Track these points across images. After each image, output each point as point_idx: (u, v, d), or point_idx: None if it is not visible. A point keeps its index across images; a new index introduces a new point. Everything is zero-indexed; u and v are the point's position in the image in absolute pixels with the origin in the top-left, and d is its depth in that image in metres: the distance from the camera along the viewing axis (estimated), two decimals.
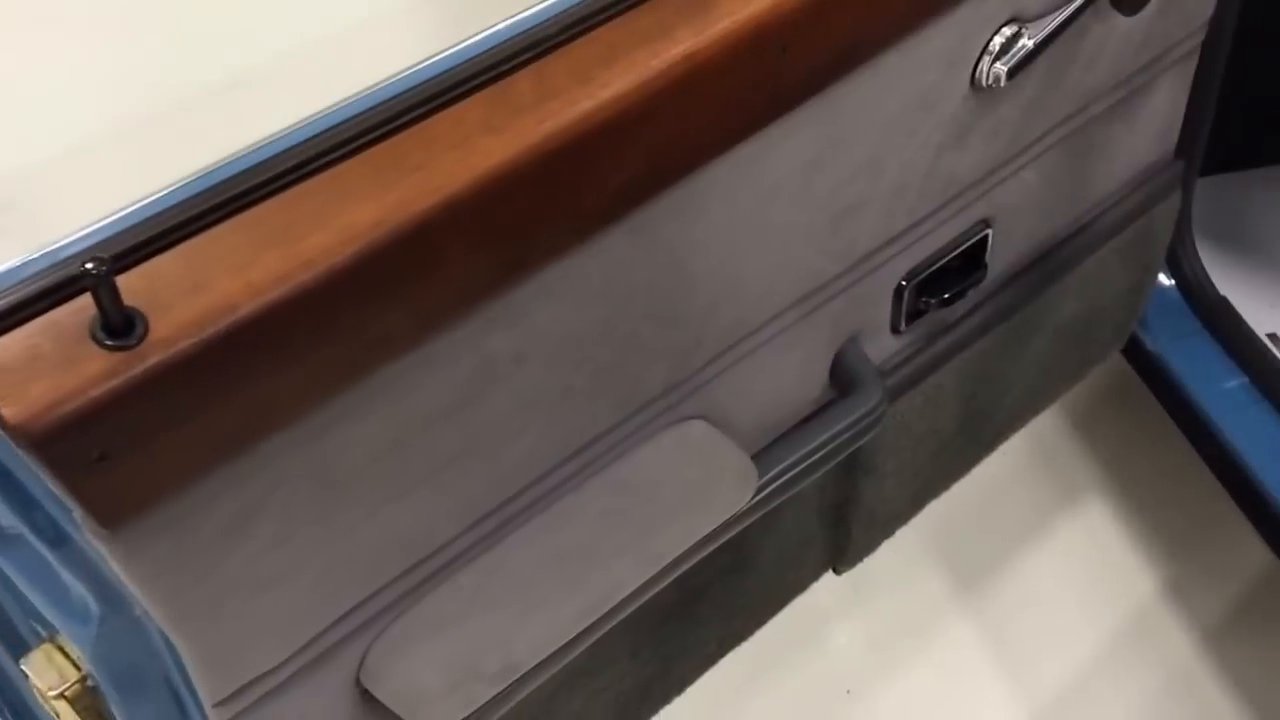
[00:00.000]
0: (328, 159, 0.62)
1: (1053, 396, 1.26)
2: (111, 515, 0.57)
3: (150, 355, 0.55)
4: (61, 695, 0.67)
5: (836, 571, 1.14)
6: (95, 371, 0.54)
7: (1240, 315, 1.29)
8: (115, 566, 0.60)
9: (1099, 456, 1.59)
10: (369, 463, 0.68)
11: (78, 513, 0.57)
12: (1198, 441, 1.30)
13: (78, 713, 0.68)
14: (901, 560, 1.46)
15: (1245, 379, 1.26)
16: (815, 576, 1.12)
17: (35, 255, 0.57)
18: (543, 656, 0.78)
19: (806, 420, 0.94)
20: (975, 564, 1.49)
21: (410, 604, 0.77)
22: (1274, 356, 1.27)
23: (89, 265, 0.53)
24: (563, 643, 0.79)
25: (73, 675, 0.68)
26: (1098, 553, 1.49)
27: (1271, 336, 1.35)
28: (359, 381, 0.64)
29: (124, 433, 0.56)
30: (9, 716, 0.79)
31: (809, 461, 0.91)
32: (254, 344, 0.58)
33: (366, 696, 0.77)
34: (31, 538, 0.61)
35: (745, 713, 1.38)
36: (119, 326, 0.55)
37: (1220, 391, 1.26)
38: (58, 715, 0.70)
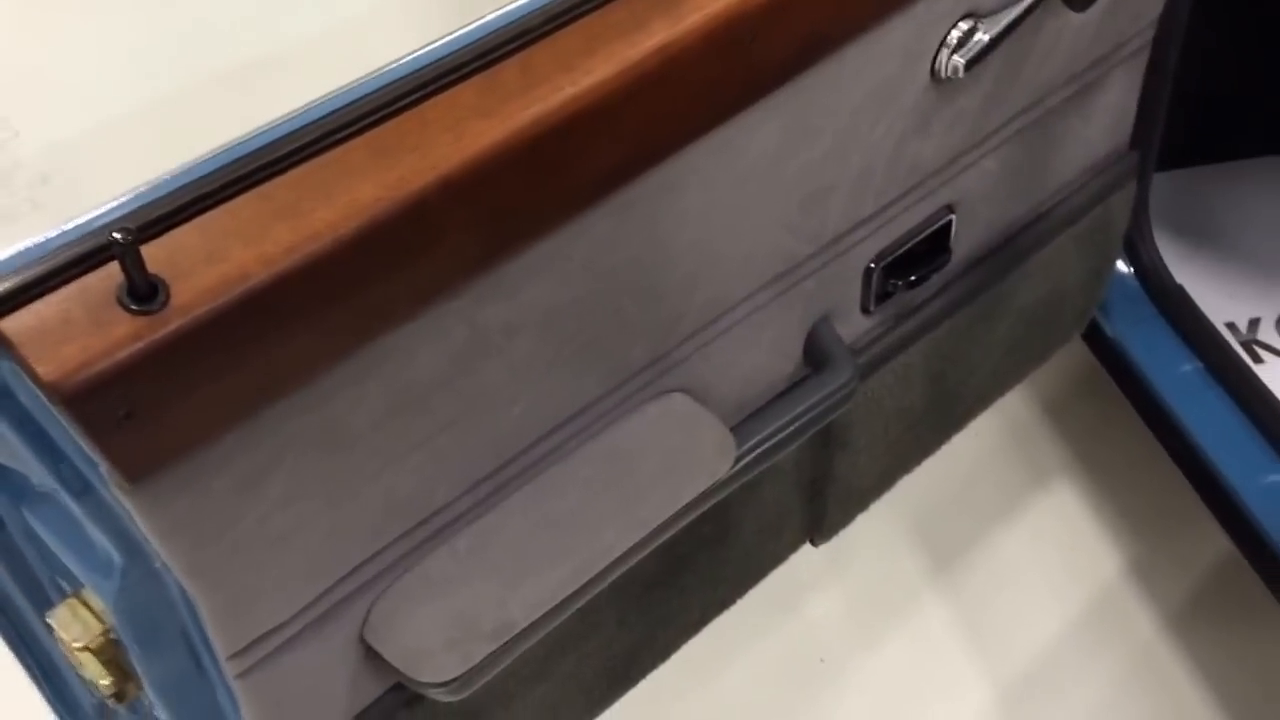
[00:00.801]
0: (333, 139, 0.67)
1: (1018, 377, 1.32)
2: (135, 470, 0.62)
3: (172, 319, 0.60)
4: (86, 647, 0.72)
5: (814, 544, 1.19)
6: (122, 334, 0.59)
7: (1195, 303, 1.34)
8: (137, 520, 0.64)
9: (1070, 441, 1.64)
10: (370, 427, 0.73)
11: (104, 467, 0.62)
12: (1154, 424, 1.35)
13: (101, 664, 0.72)
14: (877, 537, 1.52)
15: (1200, 364, 1.31)
16: (794, 548, 1.17)
17: (67, 227, 0.62)
18: (535, 616, 0.83)
19: (782, 395, 0.99)
20: (949, 542, 1.55)
21: (410, 565, 0.81)
22: (1227, 343, 1.32)
23: (116, 235, 0.58)
24: (554, 604, 0.84)
25: (96, 628, 0.72)
26: (1066, 534, 1.55)
27: (1229, 325, 1.41)
28: (361, 349, 0.69)
29: (148, 392, 0.61)
30: (38, 673, 0.83)
31: (784, 434, 0.96)
32: (266, 310, 0.63)
33: (369, 652, 0.82)
34: (61, 492, 0.66)
35: (723, 676, 1.43)
36: (144, 292, 0.60)
37: (1175, 376, 1.31)
38: (82, 667, 0.74)
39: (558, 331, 0.80)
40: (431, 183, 0.67)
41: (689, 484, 0.90)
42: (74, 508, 0.68)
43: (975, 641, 1.47)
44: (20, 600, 0.78)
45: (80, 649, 0.72)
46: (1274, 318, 1.41)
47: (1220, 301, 1.41)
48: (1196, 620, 1.47)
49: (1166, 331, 1.34)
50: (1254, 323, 1.41)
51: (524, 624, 0.83)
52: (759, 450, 0.95)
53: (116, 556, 0.68)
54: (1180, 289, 1.35)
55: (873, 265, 1.02)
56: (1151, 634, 1.46)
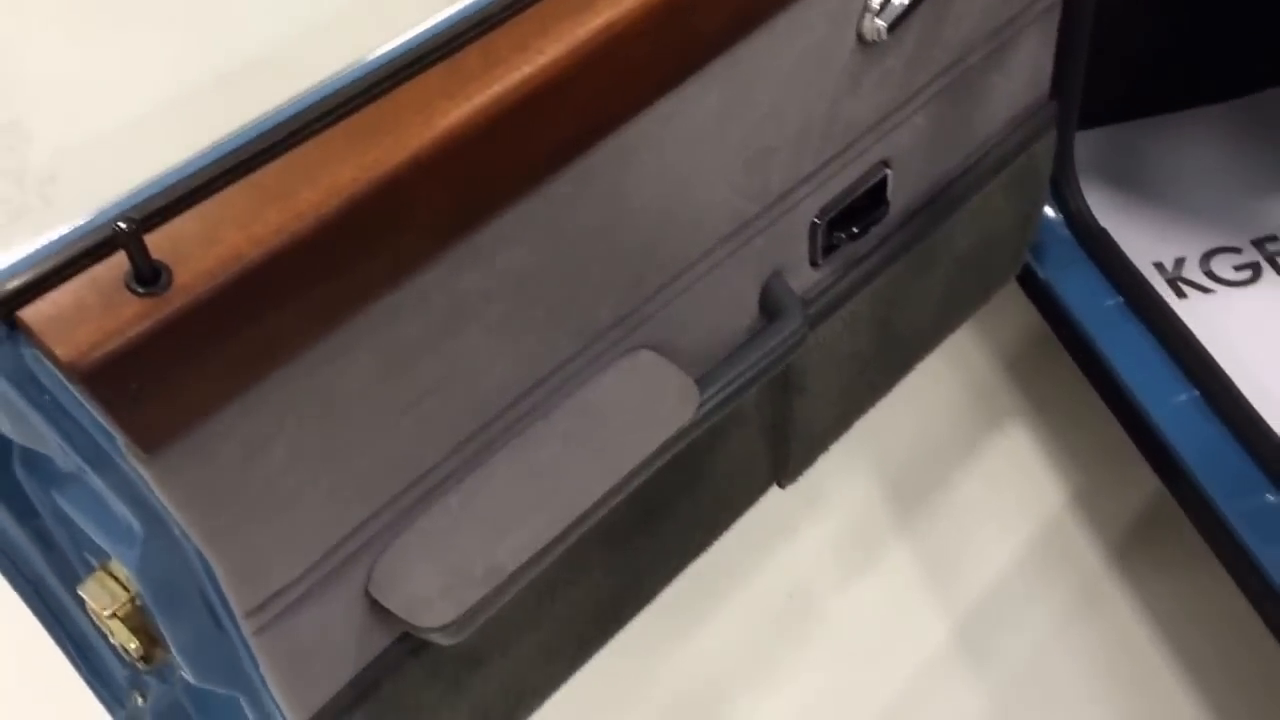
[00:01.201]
0: (315, 128, 0.73)
1: (959, 319, 1.40)
2: (150, 441, 0.68)
3: (175, 300, 0.66)
4: (114, 614, 0.78)
5: (780, 485, 1.26)
6: (130, 315, 0.65)
7: (1117, 243, 1.43)
8: (154, 488, 0.70)
9: (1023, 387, 1.73)
10: (362, 393, 0.79)
11: (121, 440, 0.67)
12: (1079, 358, 1.43)
13: (130, 630, 0.78)
14: (844, 483, 1.61)
15: (1120, 299, 1.39)
16: (762, 491, 1.24)
17: (77, 222, 0.67)
18: (522, 560, 0.89)
19: (739, 346, 1.06)
20: (911, 486, 1.63)
21: (407, 522, 0.88)
22: (1145, 279, 1.40)
23: (121, 225, 0.64)
24: (538, 549, 0.91)
25: (123, 596, 0.78)
26: (1019, 475, 1.63)
27: (1157, 265, 1.50)
28: (349, 319, 0.75)
29: (157, 367, 0.66)
30: (73, 650, 0.88)
31: (742, 380, 1.03)
32: (259, 286, 0.69)
33: (375, 605, 0.88)
34: (84, 469, 0.71)
35: (703, 620, 1.51)
36: (148, 276, 0.65)
37: (1098, 311, 1.39)
38: (112, 634, 0.80)
39: (530, 296, 0.87)
40: (404, 160, 0.73)
41: (657, 431, 0.97)
42: (96, 482, 0.73)
43: (933, 577, 1.55)
44: (53, 581, 0.84)
45: (109, 616, 0.78)
46: (1198, 257, 1.50)
47: (1148, 244, 1.50)
48: (1136, 550, 1.55)
49: (1092, 271, 1.42)
50: (1179, 262, 1.49)
51: (512, 568, 0.89)
52: (720, 397, 1.02)
53: (137, 526, 0.74)
54: (1104, 231, 1.44)
55: (817, 221, 1.09)
56: (1097, 565, 1.54)
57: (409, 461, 0.86)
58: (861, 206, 1.13)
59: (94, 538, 0.77)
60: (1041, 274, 1.44)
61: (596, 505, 0.93)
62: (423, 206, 0.75)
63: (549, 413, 0.94)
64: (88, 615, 0.87)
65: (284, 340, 0.72)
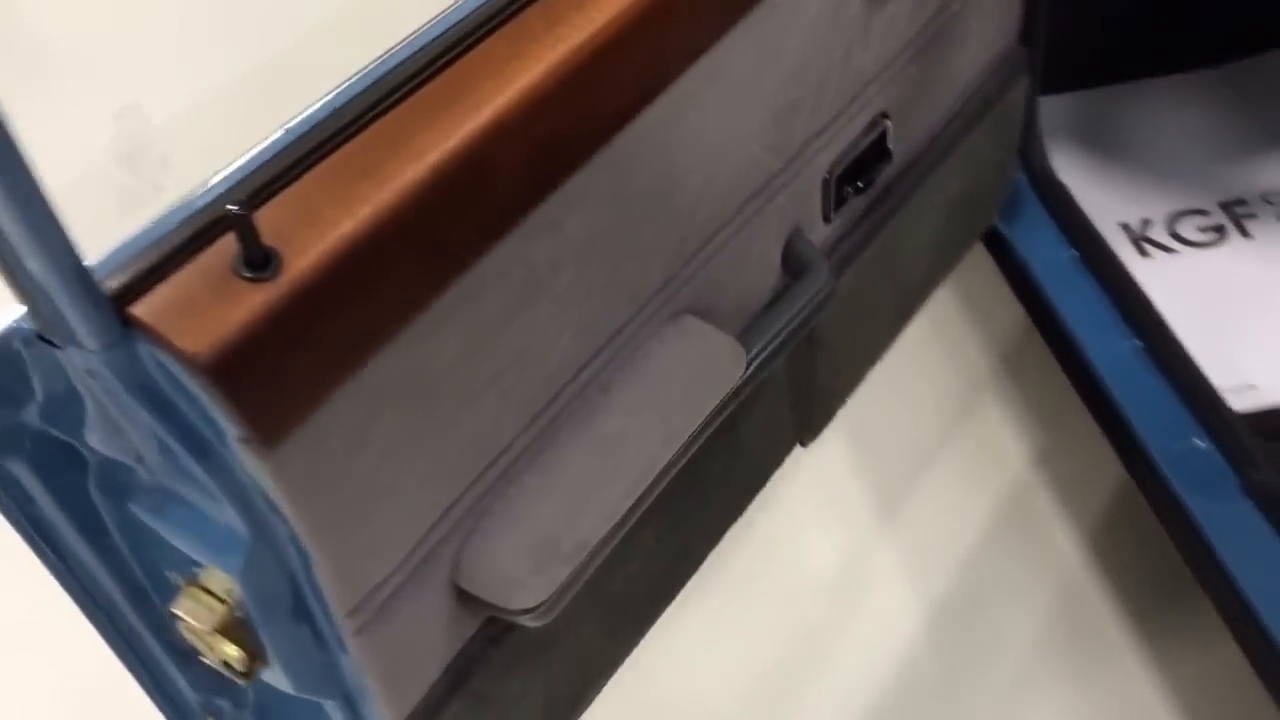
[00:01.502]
0: (389, 102, 0.71)
1: (953, 263, 1.43)
2: (267, 435, 0.65)
3: (288, 284, 0.63)
4: (215, 629, 0.74)
5: (803, 444, 1.27)
6: (249, 303, 0.62)
7: (1074, 197, 1.45)
8: (269, 484, 0.67)
9: (997, 350, 1.76)
10: (449, 371, 0.77)
11: (240, 434, 0.64)
12: (1033, 311, 1.46)
13: (233, 641, 0.75)
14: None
15: (1074, 252, 1.42)
16: (789, 450, 1.25)
17: (177, 210, 0.64)
18: (604, 531, 0.89)
19: (771, 304, 1.07)
20: (879, 440, 1.65)
21: (486, 506, 0.86)
22: (1098, 232, 1.42)
23: (232, 208, 0.61)
24: (617, 519, 0.90)
25: (220, 609, 0.74)
26: (977, 427, 1.67)
27: (1124, 225, 1.52)
28: (440, 295, 0.73)
29: (275, 356, 0.64)
30: (145, 676, 0.83)
31: (784, 336, 1.04)
32: (364, 264, 0.67)
33: (459, 594, 0.86)
34: (191, 469, 0.68)
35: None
36: (260, 261, 0.63)
37: (1053, 265, 1.42)
38: (210, 650, 0.76)
39: (593, 261, 0.85)
40: (483, 125, 0.72)
41: (712, 393, 0.97)
42: (193, 489, 0.70)
43: (896, 525, 1.57)
44: (123, 602, 0.79)
45: (210, 631, 0.74)
46: (1164, 218, 1.53)
47: (1117, 205, 1.53)
48: (1091, 500, 1.58)
49: (1050, 226, 1.45)
50: (1146, 222, 1.52)
51: (595, 540, 0.88)
52: (765, 354, 1.02)
53: (242, 529, 0.70)
54: (1062, 185, 1.46)
55: (828, 175, 1.10)
56: (1048, 511, 1.57)
57: (489, 441, 0.84)
58: (866, 159, 1.14)
59: (186, 550, 0.73)
60: (1004, 230, 1.47)
61: (664, 472, 0.93)
62: (503, 172, 0.74)
63: (609, 383, 0.93)
64: (161, 637, 0.83)
65: (383, 320, 0.70)
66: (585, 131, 0.79)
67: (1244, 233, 1.51)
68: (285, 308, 0.63)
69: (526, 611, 0.85)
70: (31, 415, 0.68)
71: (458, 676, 0.89)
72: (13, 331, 0.63)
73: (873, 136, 1.14)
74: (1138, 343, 1.33)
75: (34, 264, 0.56)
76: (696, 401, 0.96)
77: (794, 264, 1.09)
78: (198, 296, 0.62)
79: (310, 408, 0.67)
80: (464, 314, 0.76)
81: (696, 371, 0.97)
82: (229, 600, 0.75)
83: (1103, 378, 1.33)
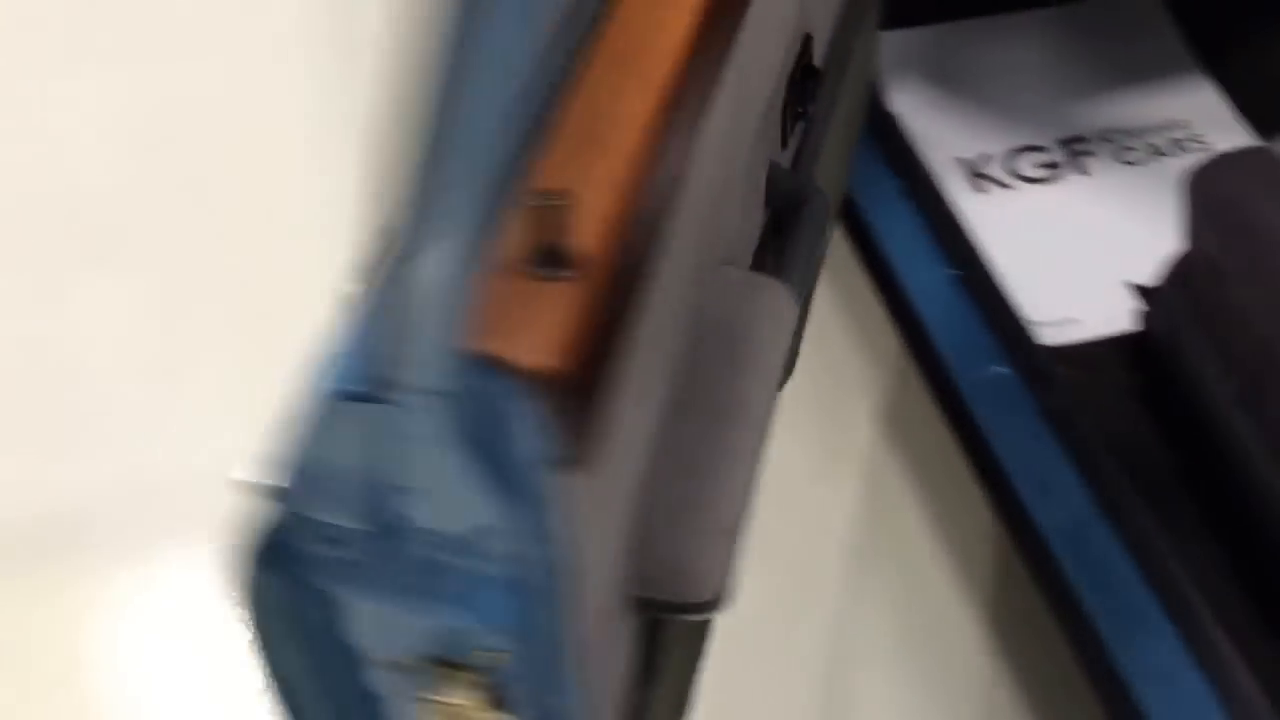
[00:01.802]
0: (570, 70, 0.63)
1: (849, 175, 1.47)
2: (582, 449, 0.57)
3: (591, 278, 0.55)
4: (486, 701, 0.64)
5: (780, 386, 1.26)
6: (566, 305, 0.53)
7: (903, 128, 1.48)
8: (572, 510, 0.58)
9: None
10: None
11: (558, 450, 0.55)
12: (857, 241, 1.50)
13: (503, 712, 0.64)
14: None
15: (901, 182, 1.46)
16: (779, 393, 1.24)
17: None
18: (747, 503, 0.85)
19: (790, 234, 1.05)
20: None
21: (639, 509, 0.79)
22: (921, 162, 1.47)
23: (546, 202, 0.52)
24: (750, 486, 0.86)
25: (484, 681, 0.64)
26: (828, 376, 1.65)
27: (961, 160, 1.54)
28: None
29: (594, 361, 0.55)
30: None
31: (813, 265, 1.03)
32: (633, 247, 0.59)
33: (631, 603, 0.79)
34: (487, 511, 0.57)
35: None
36: (565, 259, 0.54)
37: (877, 193, 1.46)
38: None
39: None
40: (668, 74, 0.65)
41: (781, 336, 0.95)
42: (484, 530, 0.59)
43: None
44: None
45: (481, 707, 0.64)
46: (1002, 154, 1.56)
47: (957, 140, 1.54)
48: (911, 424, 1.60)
49: (878, 156, 1.48)
50: (984, 158, 1.54)
51: (745, 507, 0.84)
52: (804, 288, 1.01)
53: (527, 576, 0.61)
54: (890, 115, 1.50)
55: (786, 99, 1.10)
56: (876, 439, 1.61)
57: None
58: (802, 81, 1.14)
59: (445, 619, 0.62)
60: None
61: (768, 425, 0.90)
62: (688, 124, 0.68)
63: (692, 354, 0.88)
64: None
65: (637, 309, 0.62)
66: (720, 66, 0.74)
67: (1081, 170, 1.54)
68: (599, 306, 0.55)
69: (710, 604, 0.80)
70: None
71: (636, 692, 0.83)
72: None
73: (805, 61, 1.14)
74: (951, 272, 1.37)
75: None
76: (773, 349, 0.93)
77: (781, 194, 1.07)
78: (508, 309, 0.52)
79: (611, 419, 0.59)
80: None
81: (761, 320, 0.94)
82: (483, 666, 0.64)
83: (915, 303, 1.37)
